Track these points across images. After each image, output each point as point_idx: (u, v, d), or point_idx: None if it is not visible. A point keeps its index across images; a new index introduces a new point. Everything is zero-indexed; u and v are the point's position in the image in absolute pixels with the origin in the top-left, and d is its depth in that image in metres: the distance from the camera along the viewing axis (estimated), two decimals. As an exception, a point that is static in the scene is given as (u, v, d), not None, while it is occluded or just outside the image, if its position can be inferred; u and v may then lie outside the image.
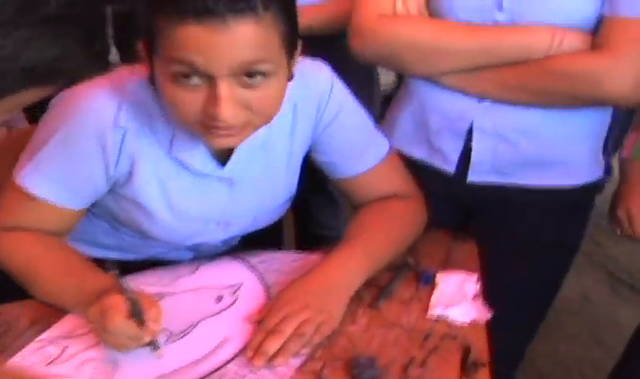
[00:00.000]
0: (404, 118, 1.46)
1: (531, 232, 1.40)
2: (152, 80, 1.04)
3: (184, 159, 1.13)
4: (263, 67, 0.98)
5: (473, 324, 1.13)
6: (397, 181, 1.32)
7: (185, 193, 1.16)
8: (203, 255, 1.33)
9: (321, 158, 1.28)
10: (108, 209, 1.20)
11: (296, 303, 1.10)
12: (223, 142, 1.03)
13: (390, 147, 1.31)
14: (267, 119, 1.05)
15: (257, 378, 1.00)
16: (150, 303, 1.03)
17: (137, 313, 0.98)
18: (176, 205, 1.17)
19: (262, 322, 1.09)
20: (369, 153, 1.28)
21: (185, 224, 1.21)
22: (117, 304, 1.00)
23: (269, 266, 1.27)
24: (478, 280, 1.23)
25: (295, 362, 1.03)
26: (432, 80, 1.35)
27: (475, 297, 1.19)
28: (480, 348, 1.08)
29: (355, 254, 1.20)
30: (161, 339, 1.05)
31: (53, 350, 1.02)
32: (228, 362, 1.03)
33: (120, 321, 0.98)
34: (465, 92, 1.32)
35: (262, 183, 1.22)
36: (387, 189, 1.31)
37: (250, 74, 0.97)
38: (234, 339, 1.07)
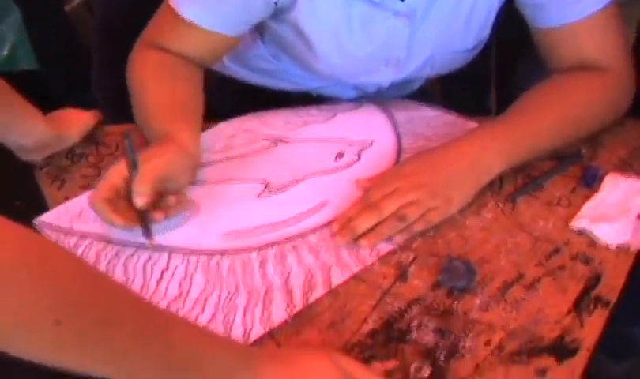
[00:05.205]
0: None
1: None
2: None
3: None
4: None
5: (621, 250, 0.90)
6: (607, 43, 1.06)
7: (355, 25, 1.02)
8: (369, 96, 1.21)
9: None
10: (273, 34, 1.12)
11: (411, 179, 0.95)
12: None
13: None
14: None
15: (332, 258, 0.89)
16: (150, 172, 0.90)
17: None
18: (343, 39, 1.06)
19: (366, 193, 0.97)
20: None
21: (351, 61, 1.11)
22: (116, 172, 0.90)
23: (412, 126, 1.12)
24: (657, 194, 0.97)
25: (384, 247, 0.91)
26: None
27: (640, 215, 0.95)
28: (613, 283, 0.86)
29: (504, 135, 0.99)
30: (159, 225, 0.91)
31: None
32: (313, 231, 0.93)
33: (97, 199, 0.89)
34: None
35: (447, 20, 1.06)
36: (592, 50, 1.06)
37: None
38: (331, 206, 0.97)
